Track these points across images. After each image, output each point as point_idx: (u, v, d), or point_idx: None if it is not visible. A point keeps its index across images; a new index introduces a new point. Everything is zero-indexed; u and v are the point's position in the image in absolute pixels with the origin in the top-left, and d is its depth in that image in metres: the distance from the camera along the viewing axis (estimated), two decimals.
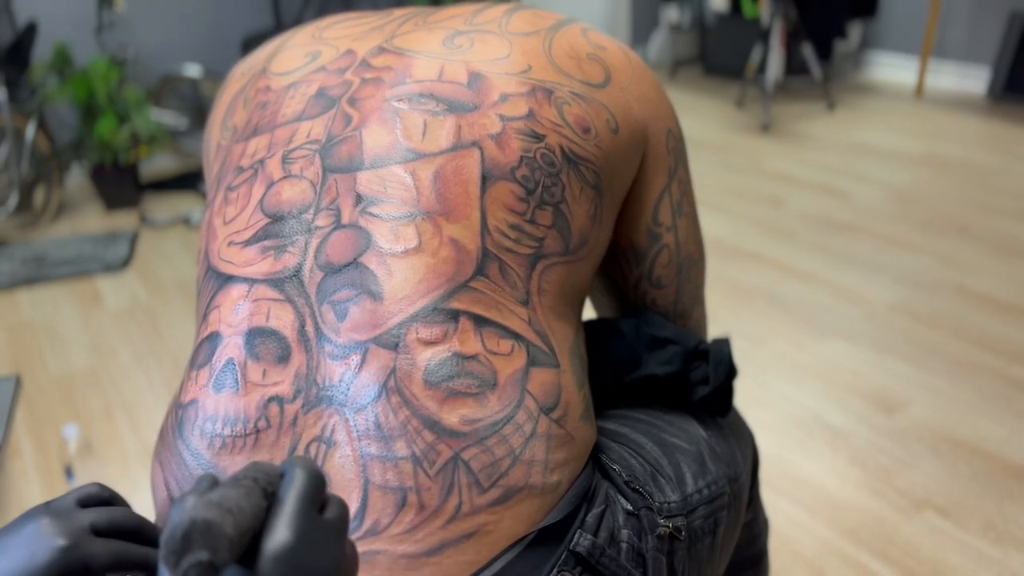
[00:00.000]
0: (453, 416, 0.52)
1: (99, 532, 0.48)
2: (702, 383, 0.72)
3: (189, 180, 3.33)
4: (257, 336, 0.55)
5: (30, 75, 2.91)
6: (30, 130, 2.83)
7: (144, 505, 1.52)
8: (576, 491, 0.56)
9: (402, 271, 0.54)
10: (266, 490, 0.39)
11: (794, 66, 4.02)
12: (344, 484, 0.51)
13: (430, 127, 0.59)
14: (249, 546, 0.37)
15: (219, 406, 0.54)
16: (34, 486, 1.61)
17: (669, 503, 0.62)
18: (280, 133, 0.63)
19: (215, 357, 0.56)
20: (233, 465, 0.53)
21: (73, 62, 3.02)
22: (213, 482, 0.39)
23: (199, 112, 3.44)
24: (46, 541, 0.45)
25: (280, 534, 0.37)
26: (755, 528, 0.88)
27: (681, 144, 0.75)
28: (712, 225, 2.58)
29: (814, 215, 2.62)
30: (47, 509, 0.48)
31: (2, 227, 2.90)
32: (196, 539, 0.33)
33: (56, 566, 0.44)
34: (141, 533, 0.52)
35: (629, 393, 0.74)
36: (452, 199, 0.57)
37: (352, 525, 0.51)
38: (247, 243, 0.59)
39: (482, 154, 0.59)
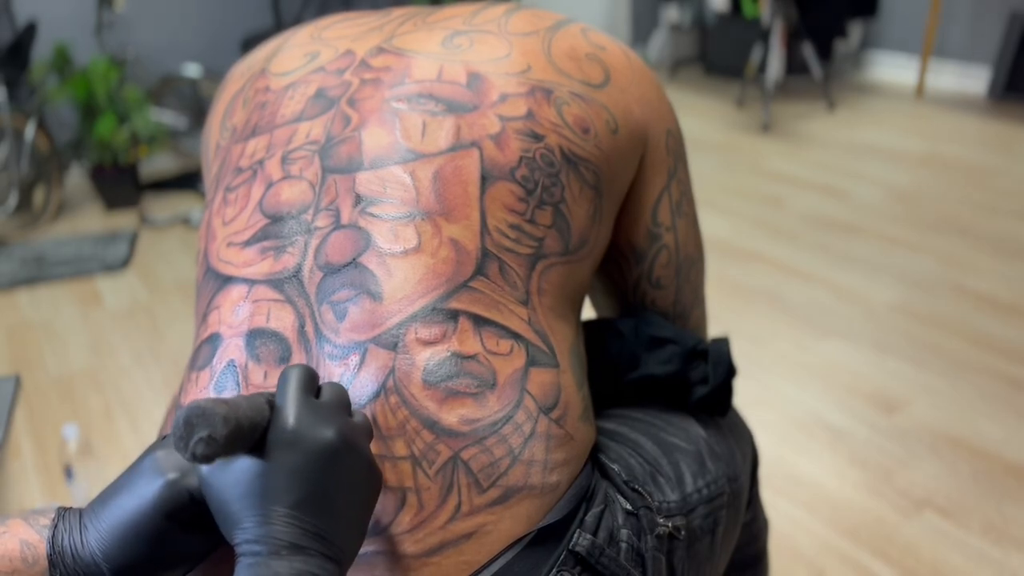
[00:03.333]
0: (452, 416, 0.52)
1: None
2: (701, 383, 0.72)
3: (189, 180, 3.33)
4: (258, 337, 0.55)
5: (30, 75, 2.91)
6: (30, 130, 2.83)
7: None
8: (575, 491, 0.56)
9: (401, 271, 0.54)
10: (269, 400, 0.45)
11: (794, 66, 4.02)
12: None
13: (429, 127, 0.59)
14: (259, 440, 0.43)
15: None
16: (34, 486, 1.61)
17: (668, 503, 0.62)
18: (279, 134, 0.63)
19: (216, 359, 0.56)
20: None
21: (73, 62, 3.02)
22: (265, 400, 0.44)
23: (199, 112, 3.44)
24: (154, 476, 0.46)
25: (279, 418, 0.43)
26: (755, 528, 0.88)
27: (681, 145, 0.75)
28: (712, 225, 2.58)
29: (814, 215, 2.62)
30: (163, 442, 0.49)
31: (2, 227, 2.90)
32: (195, 422, 0.40)
33: (163, 499, 0.46)
34: None
35: (628, 393, 0.74)
36: (451, 199, 0.57)
37: None
38: (246, 244, 0.59)
39: (481, 154, 0.59)
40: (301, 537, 0.42)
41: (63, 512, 0.48)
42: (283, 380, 0.46)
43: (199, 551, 0.48)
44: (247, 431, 0.42)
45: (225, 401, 0.41)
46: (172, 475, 0.46)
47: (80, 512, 0.48)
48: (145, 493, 0.46)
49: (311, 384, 0.46)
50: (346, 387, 0.52)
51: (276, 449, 0.42)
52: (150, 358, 2.06)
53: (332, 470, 0.44)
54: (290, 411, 0.44)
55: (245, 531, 0.42)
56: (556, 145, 0.61)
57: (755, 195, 2.83)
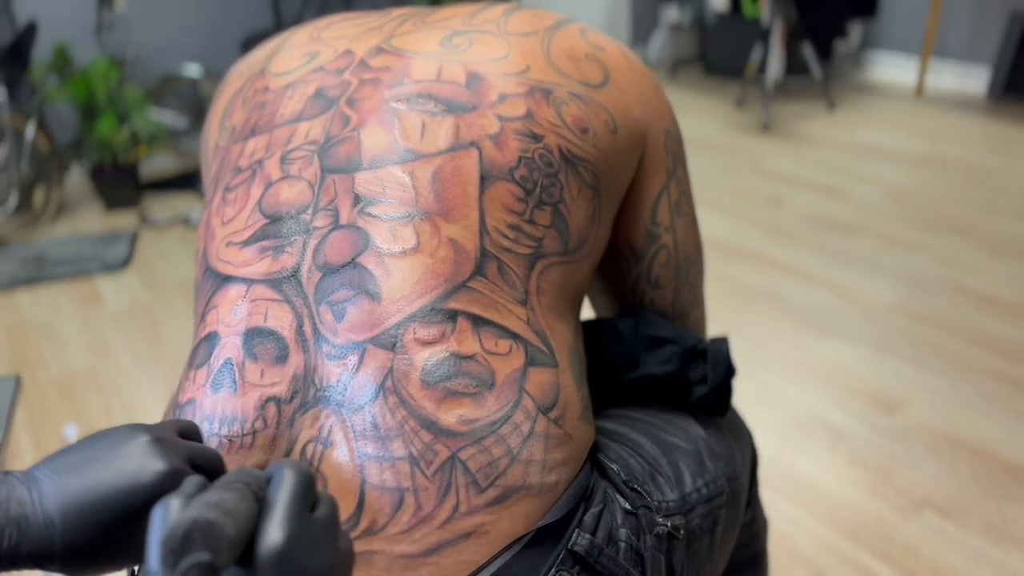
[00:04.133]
0: (450, 416, 0.52)
1: (195, 466, 0.48)
2: (700, 383, 0.72)
3: (189, 180, 3.33)
4: (255, 336, 0.55)
5: (30, 75, 2.91)
6: (30, 130, 2.83)
7: None
8: (574, 491, 0.56)
9: (400, 271, 0.54)
10: (256, 494, 0.39)
11: (794, 66, 4.02)
12: (341, 484, 0.51)
13: (428, 128, 0.59)
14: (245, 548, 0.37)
15: (216, 406, 0.54)
16: None
17: (667, 502, 0.62)
18: (278, 134, 0.63)
19: (213, 357, 0.56)
20: (230, 465, 0.53)
21: (73, 62, 3.02)
22: (201, 485, 0.39)
23: (199, 112, 3.44)
24: (151, 463, 0.43)
25: (273, 535, 0.37)
26: (754, 528, 0.88)
27: (680, 145, 0.75)
28: (712, 225, 2.58)
29: (814, 215, 2.62)
30: (149, 429, 0.47)
31: (2, 227, 2.90)
32: (197, 539, 0.33)
33: (158, 490, 0.43)
34: (217, 475, 0.50)
35: (627, 393, 0.74)
36: (450, 199, 0.57)
37: (349, 525, 0.51)
38: (245, 243, 0.59)
39: (480, 154, 0.59)
40: None
41: (7, 473, 0.44)
42: (279, 482, 0.40)
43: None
44: (243, 547, 0.37)
45: (230, 512, 0.36)
46: (168, 465, 0.43)
47: (32, 473, 0.44)
48: (139, 476, 0.43)
49: (309, 495, 0.40)
50: (344, 387, 0.52)
51: (265, 565, 0.37)
52: (150, 358, 2.06)
53: None
54: (283, 527, 0.38)
55: None
56: (555, 145, 0.61)
57: (755, 195, 2.83)
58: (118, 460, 0.44)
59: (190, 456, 0.46)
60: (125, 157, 3.03)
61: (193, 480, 0.39)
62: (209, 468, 0.48)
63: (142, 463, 0.43)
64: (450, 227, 0.56)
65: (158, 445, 0.45)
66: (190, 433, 0.50)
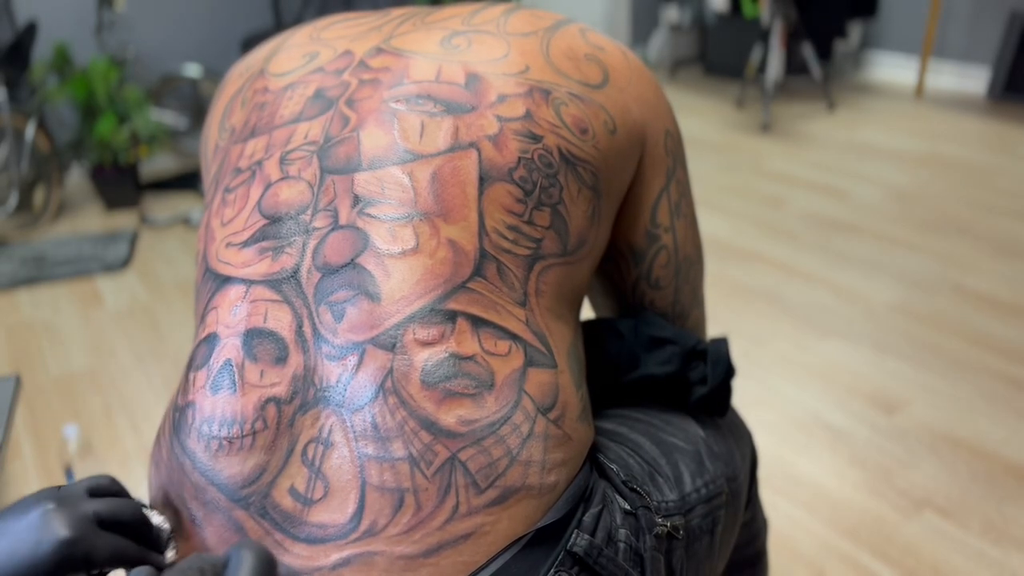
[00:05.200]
0: (450, 417, 0.52)
1: (103, 523, 0.49)
2: (700, 383, 0.72)
3: (189, 180, 3.33)
4: (255, 337, 0.55)
5: (30, 75, 2.91)
6: (30, 130, 2.83)
7: None
8: (573, 491, 0.56)
9: (399, 272, 0.54)
10: (215, 570, 0.38)
11: (794, 66, 4.02)
12: (341, 485, 0.51)
13: (428, 128, 0.59)
14: None
15: (216, 407, 0.54)
16: (34, 486, 1.61)
17: (667, 502, 0.62)
18: (278, 134, 0.63)
19: (212, 358, 0.56)
20: (230, 467, 0.53)
21: (73, 62, 3.02)
22: (154, 574, 0.39)
23: (199, 112, 3.44)
24: (51, 532, 0.44)
25: None
26: (754, 528, 0.88)
27: (679, 145, 0.75)
28: (712, 225, 2.58)
29: (814, 215, 2.62)
30: (56, 495, 0.48)
31: (2, 227, 2.90)
32: None
33: (59, 558, 0.44)
34: (142, 530, 0.52)
35: (627, 393, 0.74)
36: (450, 200, 0.57)
37: (350, 526, 0.51)
38: (245, 244, 0.59)
39: (480, 155, 0.59)
40: None
41: None
42: (237, 565, 0.39)
43: None
44: None
45: None
46: (70, 533, 0.44)
47: None
48: (37, 549, 0.43)
49: None
50: (344, 387, 0.52)
51: None
52: (150, 358, 2.06)
53: None
54: None
55: None
56: (554, 146, 0.61)
57: (755, 195, 2.83)
58: (23, 531, 0.45)
59: (97, 513, 0.48)
60: (125, 157, 3.03)
61: (146, 570, 0.39)
62: (120, 522, 0.49)
63: (44, 533, 0.44)
64: (449, 228, 0.56)
65: (60, 512, 0.46)
66: (102, 489, 0.51)
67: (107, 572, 0.49)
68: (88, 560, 0.45)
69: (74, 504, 0.48)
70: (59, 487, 0.49)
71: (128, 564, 0.49)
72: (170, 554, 0.55)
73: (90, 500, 0.49)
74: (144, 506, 0.54)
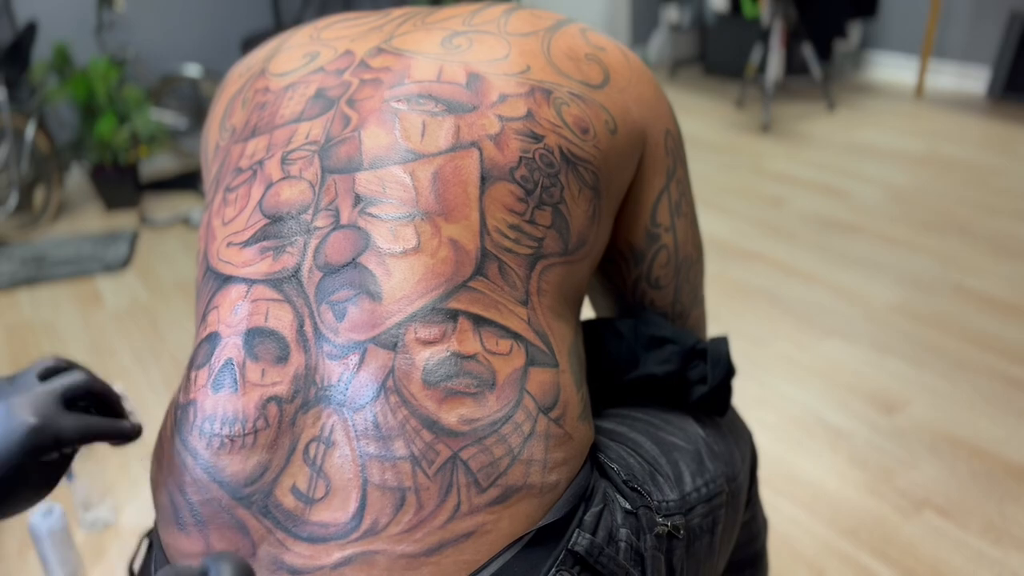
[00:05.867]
0: (452, 416, 0.52)
1: (68, 401, 0.52)
2: (700, 382, 0.72)
3: (189, 180, 3.33)
4: (256, 336, 0.55)
5: (30, 75, 2.91)
6: (30, 130, 2.83)
7: (144, 505, 1.52)
8: (574, 490, 0.56)
9: (401, 271, 0.54)
10: None
11: (794, 66, 4.02)
12: (343, 484, 0.51)
13: (429, 128, 0.59)
14: None
15: (218, 406, 0.54)
16: None
17: (667, 502, 0.62)
18: (279, 134, 0.63)
19: (214, 357, 0.56)
20: (232, 465, 0.53)
21: (73, 62, 3.02)
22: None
23: (199, 112, 3.44)
24: (17, 419, 0.47)
25: None
26: (754, 527, 0.88)
27: (679, 145, 0.75)
28: (712, 225, 2.58)
29: (814, 215, 2.62)
30: (11, 386, 0.50)
31: (2, 227, 2.90)
32: None
33: (29, 444, 0.47)
34: (107, 398, 0.56)
35: (627, 393, 0.74)
36: (451, 199, 0.57)
37: (351, 525, 0.51)
38: (246, 244, 0.59)
39: (481, 155, 0.59)
40: None
41: None
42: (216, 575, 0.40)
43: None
44: None
45: None
46: (35, 420, 0.47)
47: None
48: (8, 440, 0.46)
49: None
50: (346, 386, 0.53)
51: None
52: (150, 358, 2.06)
53: None
54: None
55: None
56: (555, 145, 0.61)
57: (755, 195, 2.83)
58: None
59: (62, 394, 0.52)
60: (125, 157, 3.03)
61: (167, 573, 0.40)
62: (86, 394, 0.54)
63: (10, 422, 0.48)
64: (451, 227, 0.56)
65: (23, 400, 0.49)
66: (52, 370, 0.55)
67: (77, 448, 0.53)
68: (58, 440, 0.47)
69: (33, 389, 0.51)
70: (10, 377, 0.53)
71: (99, 438, 0.53)
72: (133, 419, 0.60)
73: (47, 382, 0.52)
74: (91, 375, 0.57)
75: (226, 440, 0.53)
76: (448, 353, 0.53)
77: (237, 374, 0.54)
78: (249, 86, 0.70)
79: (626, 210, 0.72)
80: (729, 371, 0.72)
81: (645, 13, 4.66)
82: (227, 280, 0.58)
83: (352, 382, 0.52)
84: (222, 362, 0.55)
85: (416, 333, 0.53)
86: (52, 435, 0.48)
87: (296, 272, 0.56)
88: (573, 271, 0.63)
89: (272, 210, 0.59)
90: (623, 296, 0.78)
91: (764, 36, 3.57)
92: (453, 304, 0.54)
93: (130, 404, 0.60)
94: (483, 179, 0.58)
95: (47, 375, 0.55)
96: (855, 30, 4.15)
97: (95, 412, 0.59)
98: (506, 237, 0.58)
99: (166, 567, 0.41)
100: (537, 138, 0.61)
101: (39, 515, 1.28)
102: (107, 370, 2.01)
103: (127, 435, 0.58)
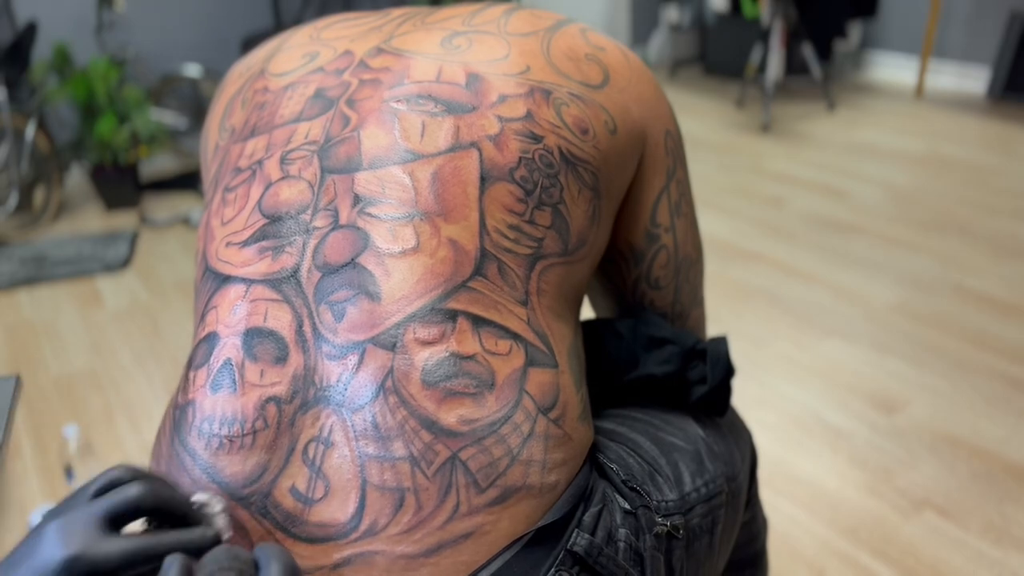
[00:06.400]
0: (451, 416, 0.52)
1: (114, 521, 0.45)
2: (700, 382, 0.72)
3: (189, 180, 3.33)
4: (255, 336, 0.55)
5: (30, 75, 2.91)
6: (30, 130, 2.83)
7: None
8: (573, 491, 0.56)
9: (400, 271, 0.54)
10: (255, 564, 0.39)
11: (794, 66, 4.02)
12: (342, 484, 0.51)
13: (428, 128, 0.59)
14: None
15: (216, 406, 0.54)
16: (34, 486, 1.61)
17: (667, 502, 0.62)
18: (278, 134, 0.63)
19: (212, 357, 0.56)
20: (231, 465, 0.53)
21: (73, 62, 3.02)
22: (188, 570, 0.39)
23: (199, 112, 3.44)
24: (50, 556, 0.42)
25: None
26: (754, 527, 0.88)
27: (679, 145, 0.75)
28: (712, 225, 2.58)
29: (814, 215, 2.62)
30: (57, 511, 0.45)
31: (2, 227, 2.90)
32: None
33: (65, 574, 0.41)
34: (169, 511, 0.48)
35: (627, 393, 0.74)
36: (450, 200, 0.57)
37: (350, 525, 0.51)
38: (245, 243, 0.59)
39: (480, 155, 0.59)
40: None
41: None
42: (267, 566, 0.41)
43: None
44: None
45: None
46: (67, 551, 0.42)
47: None
48: (37, 571, 0.42)
49: None
50: (345, 387, 0.53)
51: None
52: (150, 358, 2.06)
53: None
54: None
55: None
56: (555, 146, 0.61)
57: (755, 195, 2.83)
58: (28, 558, 0.43)
59: (105, 515, 0.45)
60: (125, 157, 3.03)
61: (176, 564, 0.39)
62: (137, 511, 0.47)
63: (43, 557, 0.42)
64: (450, 227, 0.56)
65: (59, 529, 0.43)
66: (115, 482, 0.48)
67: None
68: (95, 571, 0.42)
69: (75, 515, 0.45)
70: (72, 494, 0.46)
71: (151, 560, 0.45)
72: (218, 522, 0.50)
73: (94, 502, 0.46)
74: (165, 482, 0.49)
75: (225, 441, 0.53)
76: (447, 353, 0.53)
77: (236, 374, 0.54)
78: (248, 86, 0.70)
79: (626, 210, 0.72)
80: (729, 371, 0.72)
81: (645, 13, 4.66)
82: (226, 280, 0.58)
83: (351, 382, 0.52)
84: (221, 362, 0.55)
85: (415, 333, 0.53)
86: (87, 567, 0.42)
87: (295, 272, 0.56)
88: (573, 271, 0.63)
89: (271, 210, 0.59)
90: (623, 296, 0.78)
91: (764, 36, 3.57)
92: (452, 304, 0.54)
93: (218, 505, 0.52)
94: (482, 179, 0.58)
95: (103, 491, 0.48)
96: (855, 30, 4.15)
97: (158, 527, 0.50)
98: (505, 237, 0.58)
99: (220, 547, 0.40)
100: (536, 139, 0.61)
101: (40, 515, 1.28)
102: (107, 370, 2.01)
103: (195, 548, 0.47)
